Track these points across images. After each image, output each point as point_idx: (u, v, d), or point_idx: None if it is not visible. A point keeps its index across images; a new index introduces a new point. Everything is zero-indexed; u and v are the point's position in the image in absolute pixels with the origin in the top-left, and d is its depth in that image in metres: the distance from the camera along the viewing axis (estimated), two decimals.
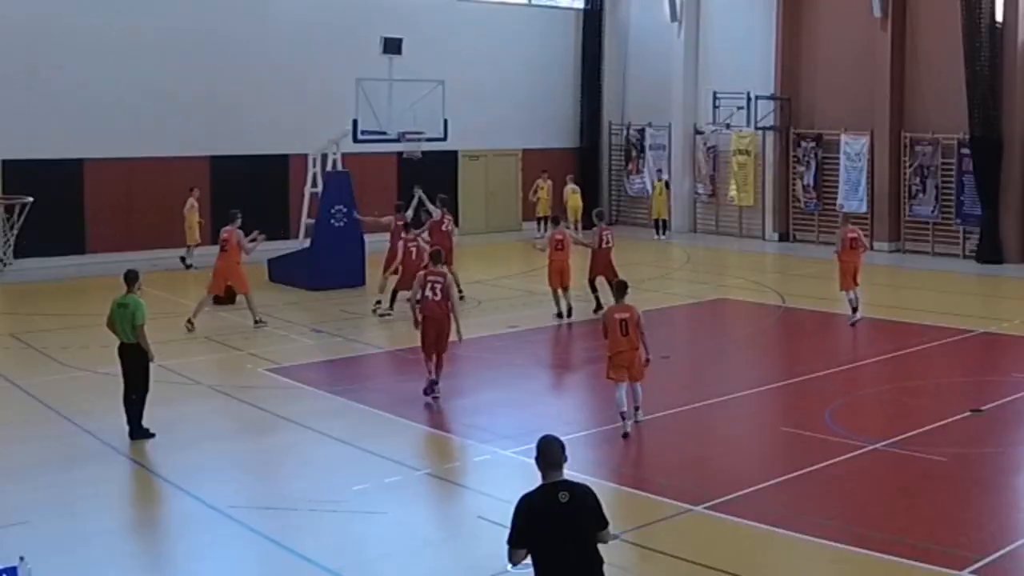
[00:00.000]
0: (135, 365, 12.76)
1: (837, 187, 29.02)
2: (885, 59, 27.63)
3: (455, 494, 11.04)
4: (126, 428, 12.73)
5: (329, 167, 23.68)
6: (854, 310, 19.06)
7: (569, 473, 6.52)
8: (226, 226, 19.24)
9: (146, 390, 12.80)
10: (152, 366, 12.95)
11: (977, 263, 26.06)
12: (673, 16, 32.15)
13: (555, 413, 14.18)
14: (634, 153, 34.01)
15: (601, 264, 20.00)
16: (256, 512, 10.44)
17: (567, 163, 33.56)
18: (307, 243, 23.10)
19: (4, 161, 24.99)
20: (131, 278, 12.96)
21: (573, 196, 31.49)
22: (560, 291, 19.66)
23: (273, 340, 17.99)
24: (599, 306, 19.34)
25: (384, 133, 22.42)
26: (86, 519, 10.61)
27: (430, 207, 22.19)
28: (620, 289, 13.34)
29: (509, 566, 6.49)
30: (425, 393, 14.26)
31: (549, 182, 31.71)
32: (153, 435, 12.71)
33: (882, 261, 26.99)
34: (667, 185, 32.03)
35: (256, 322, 18.69)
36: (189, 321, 18.46)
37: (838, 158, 29.00)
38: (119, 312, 12.75)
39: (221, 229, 19.51)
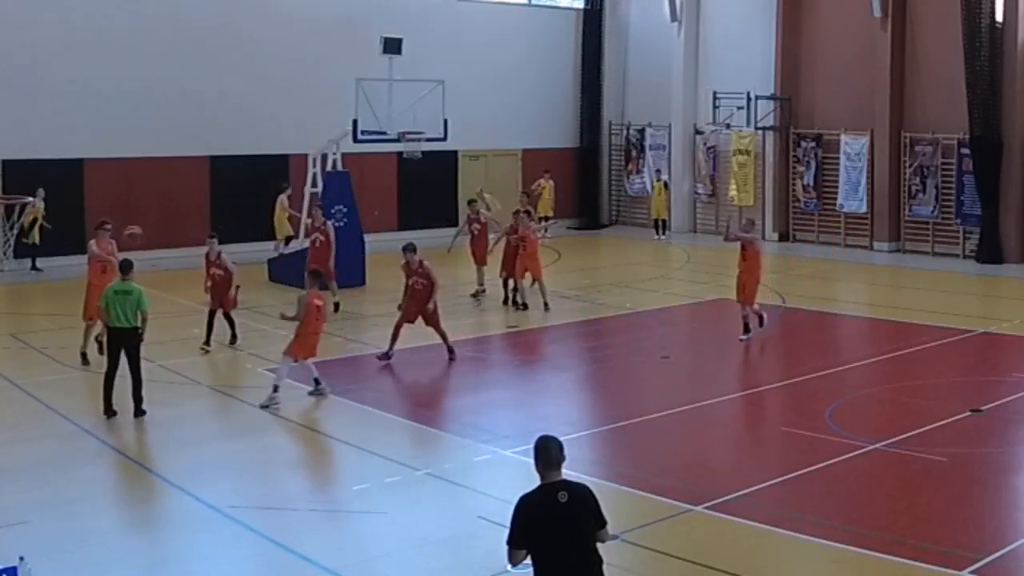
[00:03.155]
0: (133, 349, 13.29)
1: (837, 187, 29.03)
2: (885, 59, 27.63)
3: (455, 494, 11.03)
4: (102, 408, 13.34)
5: (329, 167, 23.67)
6: (761, 320, 17.88)
7: (568, 473, 6.52)
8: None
9: (139, 371, 13.43)
10: (100, 357, 13.80)
11: (977, 263, 26.06)
12: (673, 16, 32.15)
13: (555, 413, 14.18)
14: (634, 153, 34.02)
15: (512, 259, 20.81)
16: (256, 512, 10.44)
17: (567, 163, 33.58)
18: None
19: (4, 161, 24.99)
20: (127, 267, 13.58)
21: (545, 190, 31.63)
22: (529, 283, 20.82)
23: (273, 340, 17.94)
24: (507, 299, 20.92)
25: (384, 133, 22.42)
26: (86, 519, 10.61)
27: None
28: (317, 276, 15.14)
29: (509, 566, 6.49)
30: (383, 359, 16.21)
31: (551, 182, 31.78)
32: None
33: (882, 261, 27.02)
34: (666, 185, 32.03)
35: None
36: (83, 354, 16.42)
37: (838, 158, 29.01)
38: (119, 299, 13.22)
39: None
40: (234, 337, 17.58)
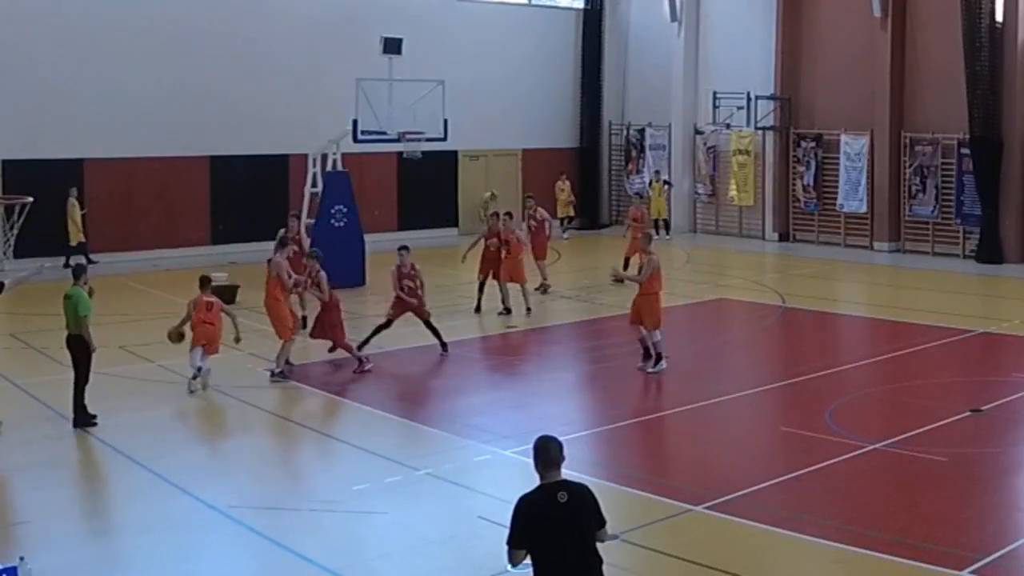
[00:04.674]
0: (78, 355, 13.18)
1: (837, 187, 29.03)
2: (885, 59, 27.63)
3: (455, 494, 11.03)
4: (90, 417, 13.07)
5: (329, 167, 23.68)
6: (652, 353, 15.65)
7: (568, 473, 6.52)
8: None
9: (86, 380, 13.17)
10: (95, 356, 13.33)
11: (977, 263, 26.06)
12: (673, 16, 32.14)
13: (555, 413, 14.18)
14: (634, 153, 34.01)
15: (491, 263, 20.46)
16: (256, 512, 10.44)
17: (567, 163, 33.60)
18: (307, 243, 23.08)
19: (4, 161, 24.99)
20: (77, 272, 13.56)
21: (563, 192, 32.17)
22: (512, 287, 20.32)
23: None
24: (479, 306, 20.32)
25: (384, 133, 22.42)
26: (86, 519, 10.63)
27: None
28: (206, 282, 15.22)
29: (509, 567, 6.50)
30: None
31: (568, 183, 32.01)
32: (95, 422, 13.05)
33: (882, 261, 27.03)
34: (666, 184, 31.86)
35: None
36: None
37: (838, 158, 29.01)
38: (65, 304, 13.23)
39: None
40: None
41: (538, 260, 22.16)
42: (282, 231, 18.45)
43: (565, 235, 31.09)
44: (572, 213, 32.21)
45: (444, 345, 16.83)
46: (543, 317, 20.03)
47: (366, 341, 16.38)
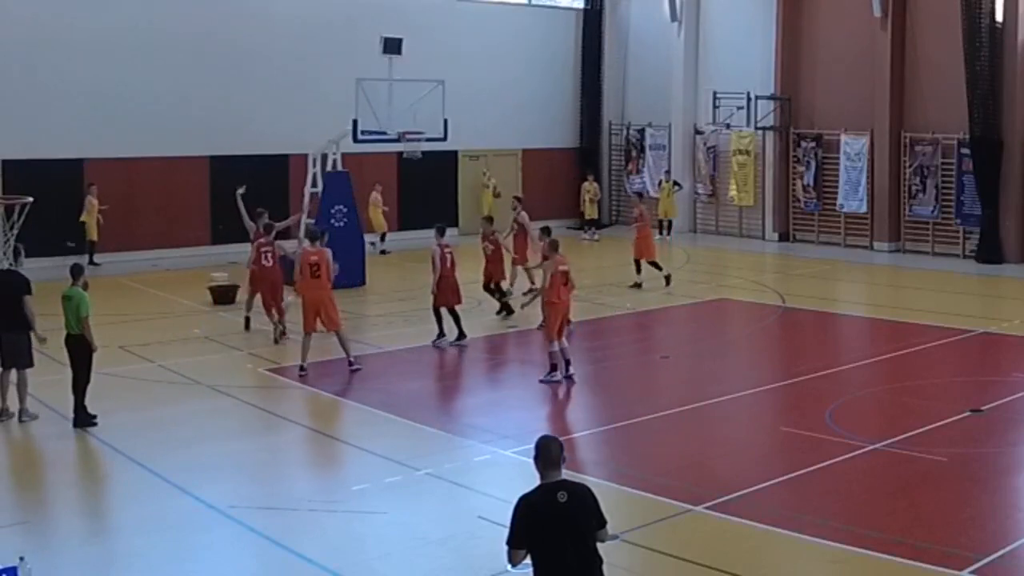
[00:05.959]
0: (79, 355, 13.16)
1: (837, 187, 29.04)
2: (885, 59, 27.63)
3: (455, 494, 11.04)
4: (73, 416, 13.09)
5: (329, 167, 23.67)
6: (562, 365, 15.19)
7: (568, 473, 6.53)
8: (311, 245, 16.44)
9: (88, 380, 13.16)
10: (95, 356, 13.33)
11: (977, 263, 26.06)
12: (673, 16, 32.14)
13: (555, 413, 14.19)
14: (634, 153, 34.01)
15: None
16: (256, 512, 10.44)
17: (567, 163, 33.61)
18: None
19: (4, 161, 24.98)
20: (76, 272, 13.47)
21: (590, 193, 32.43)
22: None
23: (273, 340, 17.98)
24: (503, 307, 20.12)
25: (384, 133, 22.41)
26: (86, 519, 10.62)
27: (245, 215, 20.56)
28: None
29: (509, 566, 6.50)
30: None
31: (596, 184, 32.03)
32: (95, 422, 13.02)
33: (882, 261, 27.03)
34: (676, 185, 31.56)
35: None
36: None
37: (838, 158, 29.01)
38: (65, 304, 13.20)
39: (305, 250, 16.47)
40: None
41: (521, 264, 21.46)
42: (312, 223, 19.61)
43: (595, 236, 31.07)
44: (596, 214, 32.34)
45: (453, 337, 17.13)
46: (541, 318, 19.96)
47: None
